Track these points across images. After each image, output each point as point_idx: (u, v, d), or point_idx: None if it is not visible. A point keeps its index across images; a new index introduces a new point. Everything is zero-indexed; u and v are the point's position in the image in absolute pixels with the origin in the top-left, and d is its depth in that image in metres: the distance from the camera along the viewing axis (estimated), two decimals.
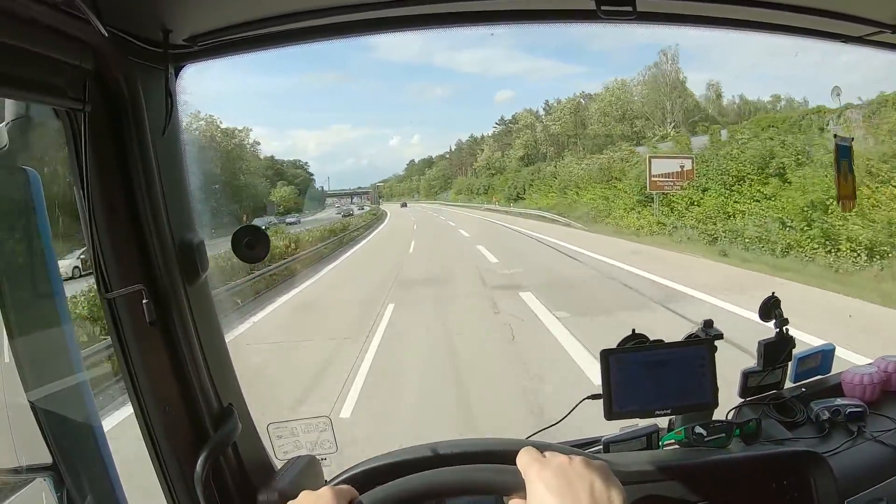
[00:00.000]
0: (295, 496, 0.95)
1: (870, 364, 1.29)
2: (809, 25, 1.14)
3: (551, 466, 0.52)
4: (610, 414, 1.02)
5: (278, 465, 1.00)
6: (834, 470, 1.01)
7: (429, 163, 64.60)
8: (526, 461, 0.54)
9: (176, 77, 0.88)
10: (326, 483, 0.95)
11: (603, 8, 0.83)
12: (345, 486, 0.55)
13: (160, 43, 0.80)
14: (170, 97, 0.82)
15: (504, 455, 0.58)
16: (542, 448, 0.56)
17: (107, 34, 0.68)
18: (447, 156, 60.79)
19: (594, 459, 0.54)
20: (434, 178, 60.92)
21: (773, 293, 1.20)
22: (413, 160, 68.62)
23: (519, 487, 0.53)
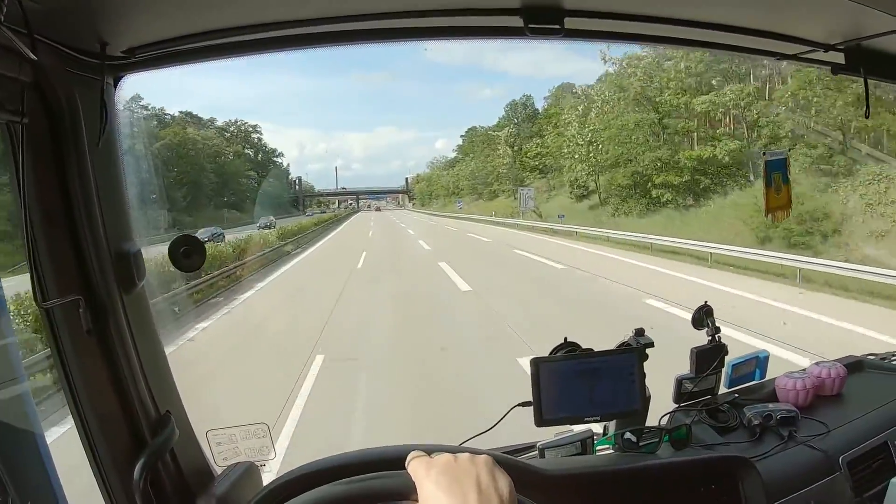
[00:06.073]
0: (234, 502, 0.97)
1: (803, 370, 1.33)
2: (744, 44, 1.17)
3: (437, 465, 0.54)
4: (540, 421, 1.05)
5: (218, 471, 1.01)
6: (763, 474, 1.04)
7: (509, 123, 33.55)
8: (414, 464, 0.56)
9: (115, 87, 0.89)
10: (264, 487, 0.97)
11: (530, 26, 0.87)
12: None
13: (98, 54, 0.81)
14: (104, 108, 0.83)
15: (396, 461, 0.59)
16: (429, 451, 0.58)
17: (45, 47, 0.69)
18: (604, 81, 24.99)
19: (479, 454, 0.57)
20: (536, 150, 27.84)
21: (706, 302, 1.24)
22: (474, 126, 43.54)
23: (412, 490, 0.55)
